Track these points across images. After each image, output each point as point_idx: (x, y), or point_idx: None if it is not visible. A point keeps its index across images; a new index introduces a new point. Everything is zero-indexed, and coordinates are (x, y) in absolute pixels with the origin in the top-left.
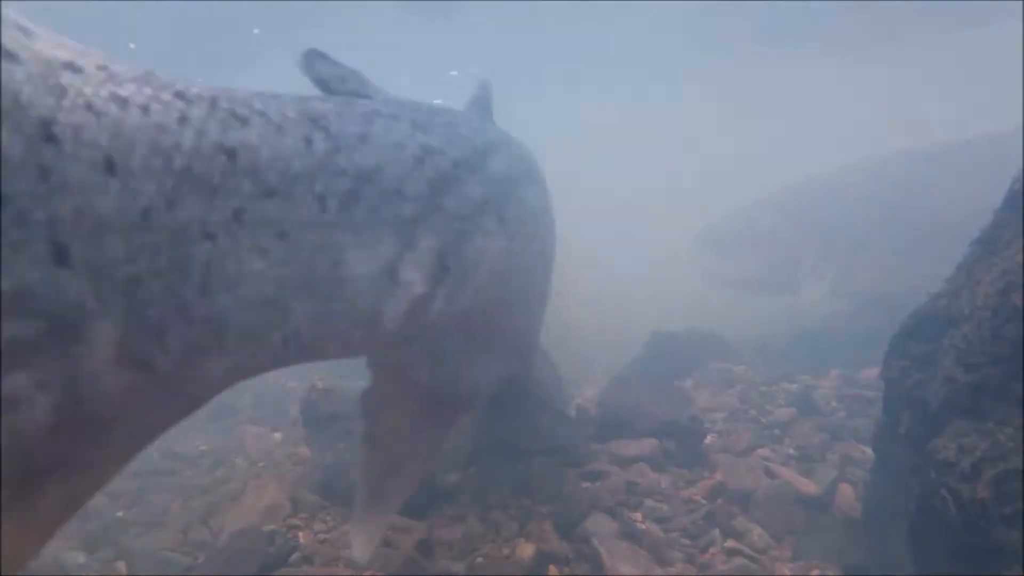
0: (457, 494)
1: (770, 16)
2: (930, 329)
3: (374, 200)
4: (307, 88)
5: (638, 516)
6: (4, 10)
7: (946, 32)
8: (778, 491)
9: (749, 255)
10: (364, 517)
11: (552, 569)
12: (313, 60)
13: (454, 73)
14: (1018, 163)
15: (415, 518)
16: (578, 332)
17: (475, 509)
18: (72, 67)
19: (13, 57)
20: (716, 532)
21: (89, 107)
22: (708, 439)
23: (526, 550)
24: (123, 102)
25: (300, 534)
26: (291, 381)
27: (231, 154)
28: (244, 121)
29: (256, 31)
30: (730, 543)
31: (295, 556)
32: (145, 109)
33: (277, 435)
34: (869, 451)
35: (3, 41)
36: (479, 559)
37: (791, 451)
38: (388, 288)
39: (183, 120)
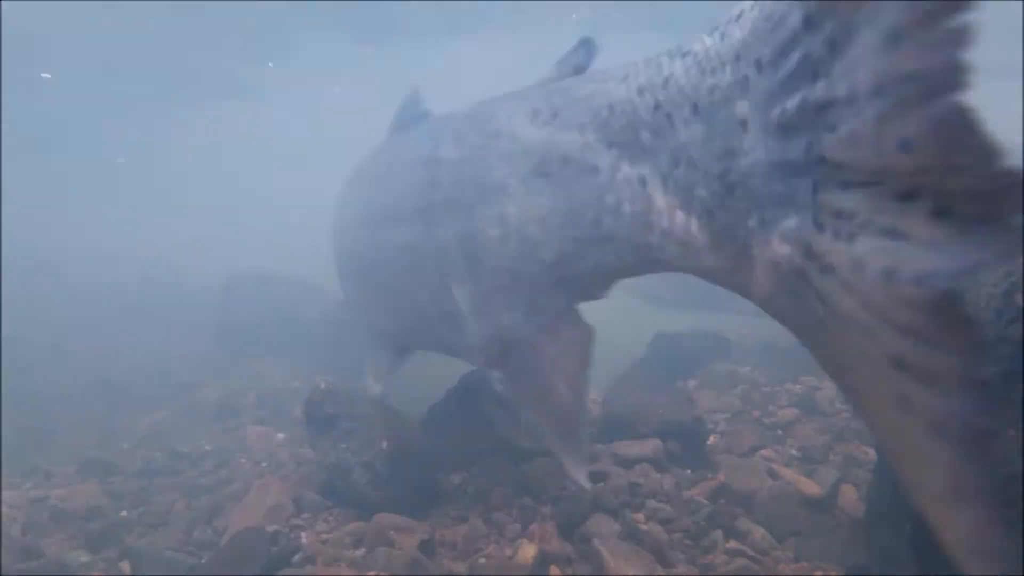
0: (460, 494)
1: None
2: None
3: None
4: None
5: (640, 517)
6: None
7: None
8: (781, 492)
9: None
10: (565, 451)
11: (554, 570)
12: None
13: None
14: None
15: (418, 518)
16: None
17: (478, 509)
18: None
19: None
20: (718, 533)
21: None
22: (711, 440)
23: (528, 551)
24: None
25: (303, 534)
26: (294, 381)
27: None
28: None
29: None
30: (732, 544)
31: (298, 556)
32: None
33: (281, 435)
34: (872, 452)
35: None
36: (481, 559)
37: (794, 452)
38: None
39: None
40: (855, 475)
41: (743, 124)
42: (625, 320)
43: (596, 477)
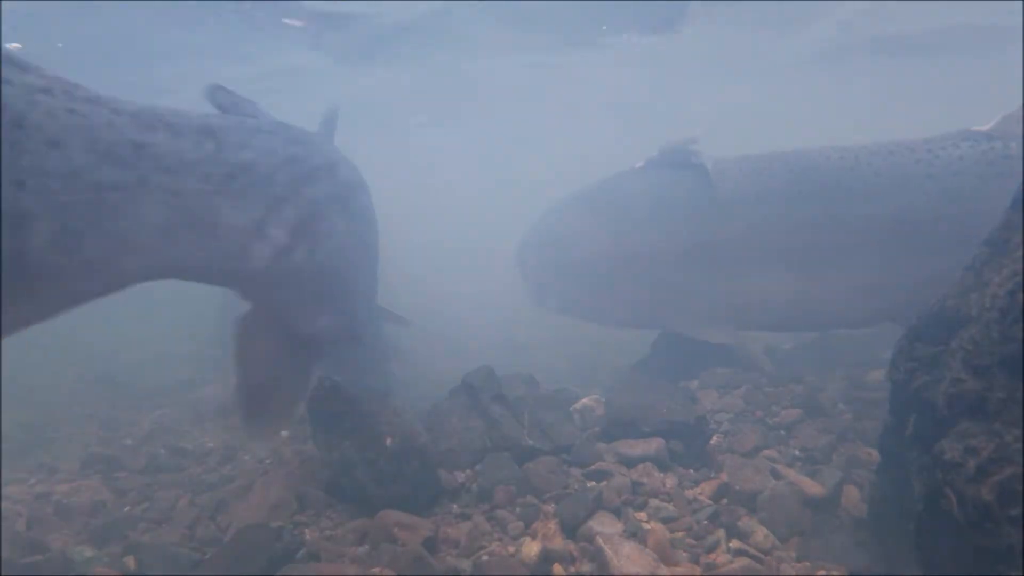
0: (463, 492)
1: None
2: (937, 331)
3: (248, 182)
4: None
5: (643, 516)
6: (5, 51)
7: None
8: (784, 492)
9: None
10: (252, 431)
11: (557, 568)
12: (215, 91)
13: None
14: None
15: (421, 515)
16: (585, 332)
17: (481, 507)
18: (45, 91)
19: (9, 83)
20: (721, 532)
21: (48, 112)
22: (714, 439)
23: (532, 548)
24: (71, 111)
25: (306, 531)
26: None
27: (139, 145)
28: (151, 128)
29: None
30: (735, 543)
31: (301, 553)
32: (85, 115)
33: (284, 432)
34: (875, 453)
35: (3, 73)
36: (485, 557)
37: (797, 452)
38: (256, 236)
39: (109, 124)
40: (858, 476)
41: None
42: None
43: (599, 476)
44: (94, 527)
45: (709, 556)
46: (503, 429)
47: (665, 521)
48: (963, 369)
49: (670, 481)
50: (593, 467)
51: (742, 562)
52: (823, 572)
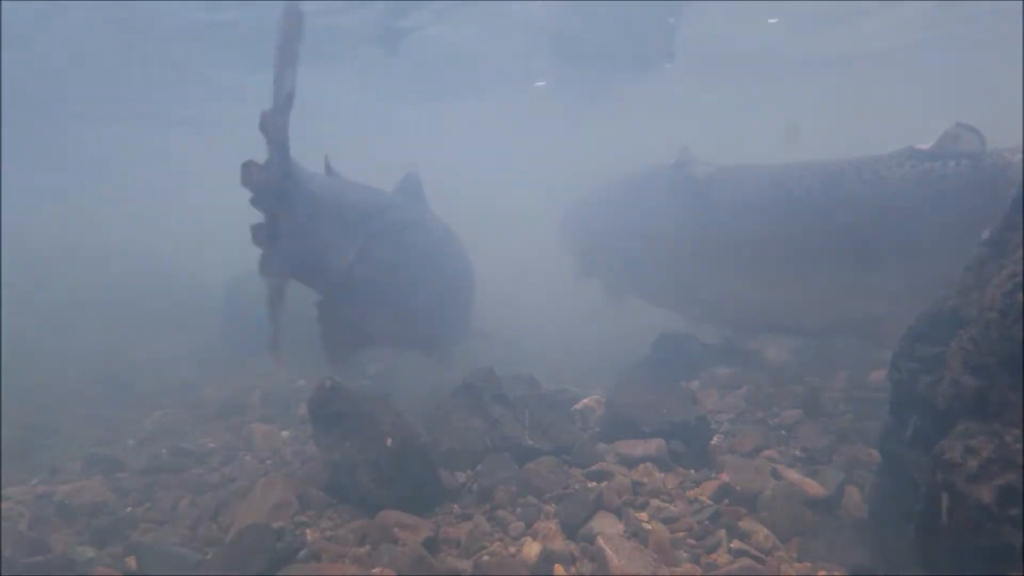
0: (464, 492)
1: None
2: (938, 331)
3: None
4: None
5: (644, 516)
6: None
7: None
8: (784, 492)
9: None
10: (331, 362)
11: (558, 568)
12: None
13: None
14: None
15: (422, 516)
16: (586, 333)
17: (482, 507)
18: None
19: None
20: (722, 533)
21: (323, 186)
22: (714, 440)
23: (532, 549)
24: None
25: (308, 531)
26: (300, 379)
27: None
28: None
29: None
30: (736, 544)
31: (303, 553)
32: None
33: (285, 433)
34: (876, 453)
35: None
36: (485, 557)
37: (798, 452)
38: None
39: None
40: (859, 476)
41: None
42: (628, 320)
43: (600, 476)
44: (96, 527)
45: (710, 556)
46: (504, 429)
47: (666, 521)
48: (963, 369)
49: (671, 481)
50: (594, 467)
51: (743, 562)
52: (824, 572)
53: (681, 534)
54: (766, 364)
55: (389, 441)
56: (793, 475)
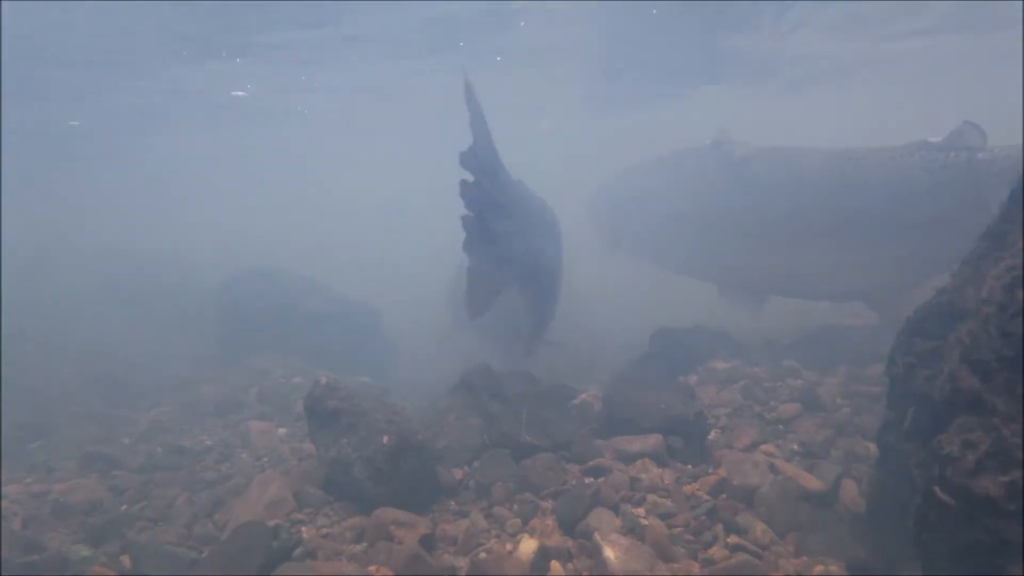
0: (461, 489)
1: None
2: (936, 325)
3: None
4: None
5: (641, 512)
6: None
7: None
8: (782, 487)
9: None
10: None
11: (555, 565)
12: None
13: None
14: None
15: (418, 513)
16: (585, 328)
17: (479, 504)
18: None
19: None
20: (719, 528)
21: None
22: (712, 435)
23: (529, 545)
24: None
25: (304, 529)
26: (296, 376)
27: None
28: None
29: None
30: (733, 539)
31: (299, 550)
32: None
33: (282, 430)
34: (874, 447)
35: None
36: (482, 555)
37: (795, 447)
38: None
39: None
40: (857, 470)
41: None
42: (626, 316)
43: (597, 472)
44: (91, 526)
45: (707, 552)
46: (501, 426)
47: (663, 517)
48: (961, 363)
49: (668, 477)
50: (591, 463)
51: (740, 557)
52: (821, 567)
53: (678, 530)
54: (764, 359)
55: (386, 438)
56: (791, 469)
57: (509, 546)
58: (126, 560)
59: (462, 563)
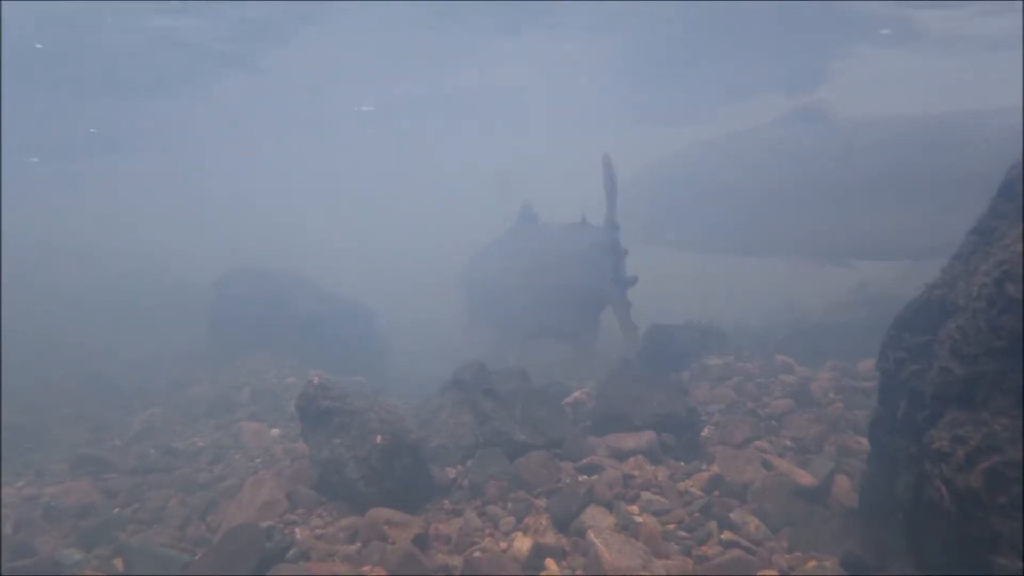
0: (455, 488)
1: None
2: (926, 320)
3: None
4: None
5: (635, 509)
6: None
7: None
8: (775, 483)
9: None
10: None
11: (549, 563)
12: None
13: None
14: None
15: (412, 513)
16: None
17: (473, 503)
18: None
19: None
20: (713, 524)
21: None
22: (705, 431)
23: (523, 544)
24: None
25: (297, 530)
26: (289, 376)
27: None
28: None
29: None
30: (727, 535)
31: (292, 552)
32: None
33: (275, 431)
34: (865, 442)
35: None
36: (476, 553)
37: (788, 443)
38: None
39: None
40: (849, 465)
41: None
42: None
43: (591, 469)
44: (83, 529)
45: (701, 548)
46: (494, 424)
47: (657, 514)
48: (951, 358)
49: (661, 474)
50: (585, 461)
51: (734, 553)
52: (815, 562)
53: (672, 526)
54: (756, 354)
55: (379, 438)
56: (784, 465)
57: (503, 544)
58: (119, 563)
59: (456, 562)
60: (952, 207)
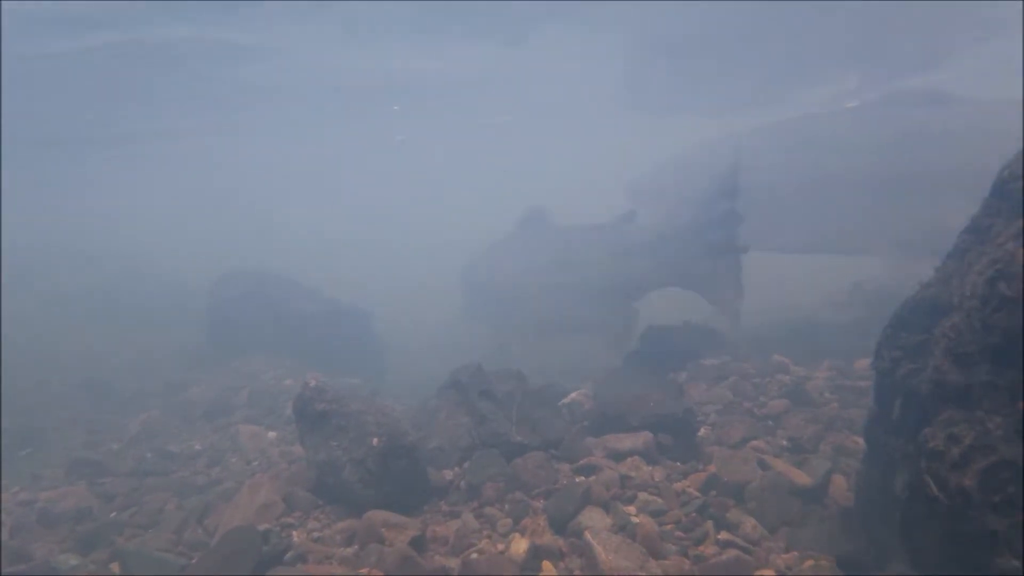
0: (452, 489)
1: None
2: (921, 319)
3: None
4: None
5: (632, 509)
6: None
7: None
8: (772, 482)
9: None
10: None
11: (546, 564)
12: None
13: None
14: None
15: (409, 514)
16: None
17: (470, 505)
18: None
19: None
20: (710, 524)
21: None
22: (702, 432)
23: (520, 545)
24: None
25: (294, 533)
26: (286, 379)
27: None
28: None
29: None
30: (724, 535)
31: (289, 554)
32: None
33: (272, 434)
34: (862, 441)
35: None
36: (474, 555)
37: (784, 443)
38: None
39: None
40: (845, 465)
41: None
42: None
43: (588, 470)
44: (79, 534)
45: (698, 548)
46: (492, 425)
47: (654, 514)
48: (946, 357)
49: (658, 474)
50: (582, 462)
51: (731, 553)
52: (811, 561)
53: (669, 527)
54: (753, 354)
55: (375, 440)
56: (780, 465)
57: (500, 546)
58: (115, 568)
59: (453, 564)
60: None
